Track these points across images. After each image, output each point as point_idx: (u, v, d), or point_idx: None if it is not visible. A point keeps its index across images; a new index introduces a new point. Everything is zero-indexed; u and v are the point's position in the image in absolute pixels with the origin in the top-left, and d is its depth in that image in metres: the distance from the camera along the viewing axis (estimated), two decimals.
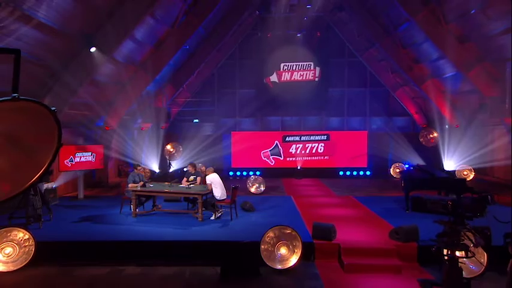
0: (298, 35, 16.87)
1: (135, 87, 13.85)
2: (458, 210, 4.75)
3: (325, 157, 16.86)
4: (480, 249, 5.71)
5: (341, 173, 16.83)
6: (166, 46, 13.35)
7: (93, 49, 10.26)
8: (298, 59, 17.25)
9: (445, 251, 4.90)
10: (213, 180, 8.76)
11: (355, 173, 16.87)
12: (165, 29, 12.85)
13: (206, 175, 8.95)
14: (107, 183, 14.15)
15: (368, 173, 16.81)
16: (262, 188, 12.62)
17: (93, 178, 13.74)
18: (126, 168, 16.25)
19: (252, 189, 12.54)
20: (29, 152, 2.58)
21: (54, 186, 10.59)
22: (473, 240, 4.68)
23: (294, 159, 16.89)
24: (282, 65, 17.40)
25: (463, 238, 4.85)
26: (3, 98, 2.33)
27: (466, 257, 4.82)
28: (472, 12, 10.88)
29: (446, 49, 12.53)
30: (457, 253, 4.82)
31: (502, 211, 8.30)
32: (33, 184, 2.69)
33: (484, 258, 5.67)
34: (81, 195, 11.37)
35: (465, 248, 4.86)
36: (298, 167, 16.64)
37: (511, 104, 11.93)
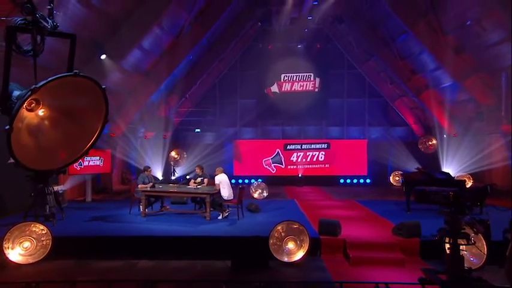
0: (299, 46, 17.35)
1: (140, 96, 14.20)
2: (459, 201, 5.03)
3: (326, 165, 17.16)
4: (480, 241, 5.99)
5: (341, 180, 17.12)
6: (171, 56, 13.75)
7: (103, 56, 10.62)
8: (299, 70, 17.69)
9: (447, 240, 5.17)
10: (222, 180, 9.05)
11: (355, 180, 17.17)
12: (170, 39, 13.25)
13: (215, 175, 9.23)
14: (111, 189, 14.35)
15: (368, 180, 17.11)
16: (265, 194, 12.87)
17: (98, 184, 13.94)
18: (130, 176, 16.48)
19: (255, 195, 12.78)
20: (81, 125, 2.93)
21: (62, 189, 10.79)
22: (474, 228, 4.96)
23: (295, 167, 17.18)
24: (282, 75, 17.83)
25: (464, 227, 5.13)
26: (65, 73, 2.67)
27: (467, 244, 5.09)
28: (468, 23, 11.30)
29: (443, 60, 12.95)
30: (459, 241, 5.09)
31: (500, 213, 8.62)
32: (84, 154, 3.00)
33: (484, 249, 5.94)
34: (89, 199, 11.60)
35: (466, 237, 5.14)
36: (299, 175, 16.91)
37: (508, 112, 12.31)
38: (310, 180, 16.61)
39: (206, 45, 15.81)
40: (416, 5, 12.38)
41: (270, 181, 15.95)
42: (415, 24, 12.65)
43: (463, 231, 5.18)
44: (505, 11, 10.04)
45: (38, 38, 2.67)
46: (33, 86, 2.43)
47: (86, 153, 2.95)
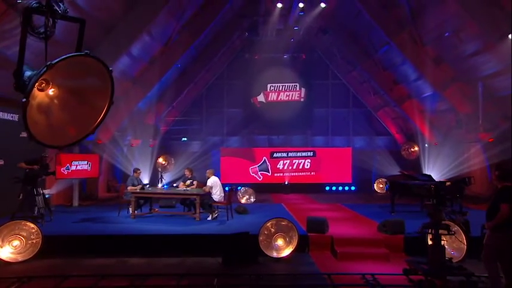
0: (285, 56, 17.75)
1: (128, 103, 14.24)
2: (440, 193, 5.31)
3: (312, 173, 17.42)
4: (460, 235, 6.27)
5: (327, 188, 17.39)
6: (160, 63, 13.90)
7: None
8: (285, 80, 18.04)
9: (429, 231, 5.43)
10: (215, 183, 9.23)
11: (340, 188, 17.47)
12: (159, 46, 13.41)
13: (208, 178, 9.37)
14: (97, 197, 14.24)
15: (353, 188, 17.43)
16: (253, 199, 13.04)
17: (83, 191, 13.82)
18: (116, 184, 16.40)
19: (243, 200, 12.95)
20: (88, 105, 3.10)
21: (49, 194, 10.70)
22: (454, 218, 5.24)
23: (281, 174, 17.39)
24: (268, 85, 18.13)
25: (444, 219, 5.41)
26: (77, 53, 2.85)
27: (448, 234, 5.36)
28: (446, 35, 11.83)
29: (424, 70, 13.42)
30: (440, 231, 5.36)
31: (478, 213, 8.99)
32: (91, 133, 3.16)
33: (464, 241, 6.21)
34: (75, 203, 11.52)
35: (447, 227, 5.41)
36: (286, 183, 17.11)
37: (485, 120, 12.82)
38: (296, 187, 16.82)
39: (194, 55, 16.02)
40: (398, 17, 12.90)
41: (257, 188, 16.06)
42: (396, 35, 13.12)
43: (444, 223, 5.46)
44: (480, 24, 10.59)
45: (50, 21, 2.84)
46: (49, 62, 2.59)
47: (93, 133, 3.09)
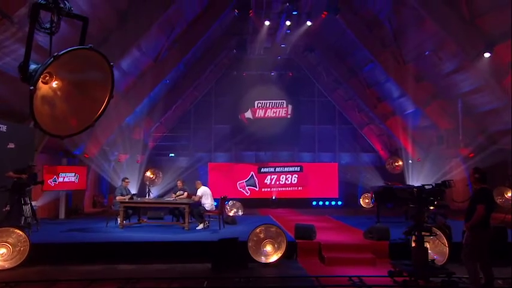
0: (272, 74, 18.16)
1: (116, 117, 14.30)
2: (423, 196, 5.55)
3: (299, 188, 17.58)
4: (442, 239, 6.48)
5: (314, 203, 17.53)
6: (149, 79, 14.08)
7: None
8: (272, 97, 18.36)
9: (412, 232, 5.64)
10: (205, 192, 9.34)
11: (327, 202, 17.64)
12: (148, 61, 13.62)
13: (197, 188, 9.48)
14: (82, 211, 14.10)
15: (339, 202, 17.63)
16: (240, 213, 13.12)
17: (69, 206, 13.67)
18: (101, 199, 16.28)
19: (231, 214, 12.97)
20: (90, 98, 3.27)
21: (35, 206, 10.60)
22: (435, 219, 5.47)
23: (269, 189, 17.50)
24: (256, 102, 18.43)
25: (427, 220, 5.63)
26: (82, 46, 3.03)
27: (431, 235, 5.57)
28: (426, 53, 12.35)
29: (406, 87, 13.91)
30: (423, 233, 5.57)
31: (460, 223, 9.29)
32: (91, 125, 3.30)
33: (445, 243, 6.41)
34: (62, 215, 11.40)
35: (429, 229, 5.63)
36: (273, 197, 17.22)
37: (464, 136, 13.29)
38: (283, 202, 16.92)
39: (182, 71, 16.27)
40: (381, 36, 13.44)
41: (244, 204, 16.11)
42: (379, 54, 13.64)
43: (426, 225, 5.68)
44: (458, 43, 11.10)
45: (55, 18, 3.03)
46: (55, 53, 2.75)
47: (93, 125, 3.23)
